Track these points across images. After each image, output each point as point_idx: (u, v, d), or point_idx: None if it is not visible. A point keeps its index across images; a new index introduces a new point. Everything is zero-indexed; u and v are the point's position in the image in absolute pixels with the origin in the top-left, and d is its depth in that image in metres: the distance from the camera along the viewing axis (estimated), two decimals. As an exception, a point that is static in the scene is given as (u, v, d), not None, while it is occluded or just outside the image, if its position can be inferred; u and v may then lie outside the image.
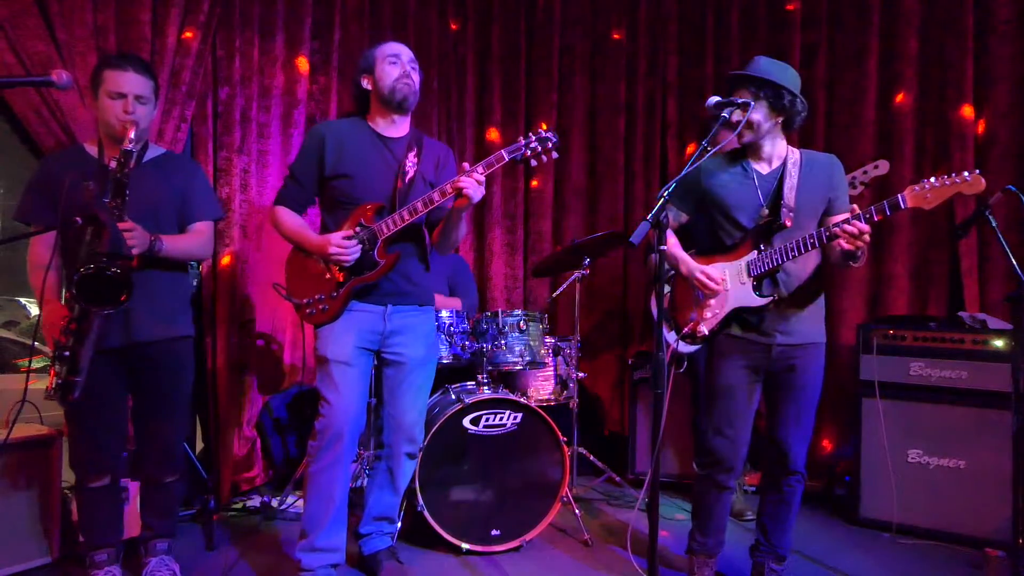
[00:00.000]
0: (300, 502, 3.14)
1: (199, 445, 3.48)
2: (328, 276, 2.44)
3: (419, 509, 2.73)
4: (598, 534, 3.05)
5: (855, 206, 2.26)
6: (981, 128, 3.47)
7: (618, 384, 4.25)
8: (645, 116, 4.25)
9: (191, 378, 2.58)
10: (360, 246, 2.38)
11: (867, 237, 2.12)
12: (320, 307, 2.44)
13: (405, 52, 2.49)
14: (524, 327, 3.10)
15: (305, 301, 2.46)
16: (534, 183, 4.35)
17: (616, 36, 4.26)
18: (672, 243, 2.47)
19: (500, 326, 3.07)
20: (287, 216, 2.51)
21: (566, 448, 2.93)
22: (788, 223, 2.30)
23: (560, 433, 2.91)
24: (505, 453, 2.87)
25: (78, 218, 2.15)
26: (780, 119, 2.32)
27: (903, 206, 2.14)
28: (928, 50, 3.58)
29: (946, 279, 3.57)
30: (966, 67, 3.46)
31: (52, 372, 2.15)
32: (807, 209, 2.34)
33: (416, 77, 2.48)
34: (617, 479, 3.61)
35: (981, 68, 3.46)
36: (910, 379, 3.10)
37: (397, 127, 2.52)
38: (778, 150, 2.37)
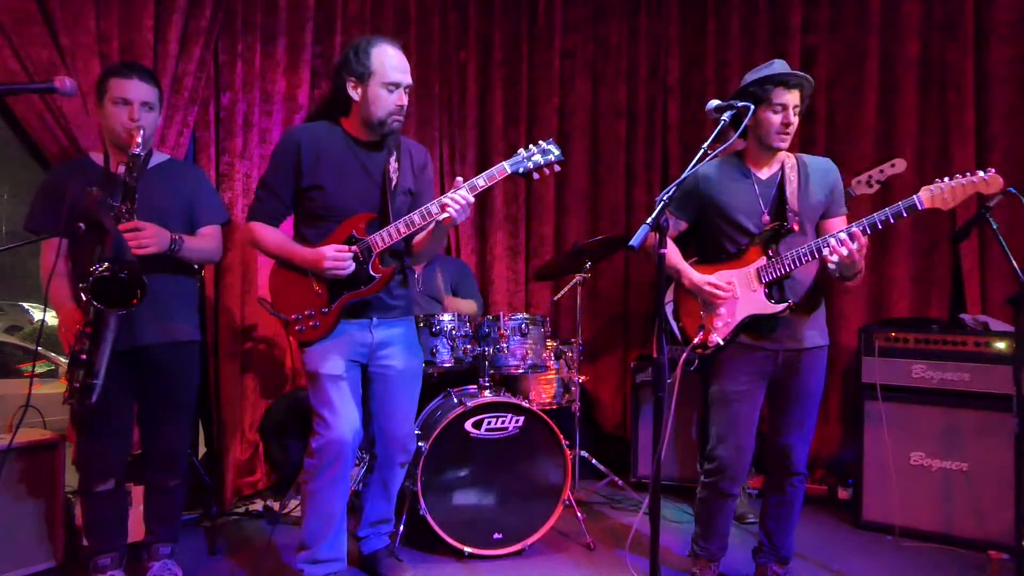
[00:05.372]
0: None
1: (202, 449, 3.49)
2: (319, 291, 2.33)
3: (421, 513, 2.73)
4: (600, 538, 3.05)
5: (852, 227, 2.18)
6: (982, 130, 3.46)
7: (620, 387, 4.25)
8: (646, 120, 4.25)
9: (196, 384, 2.58)
10: (355, 258, 2.30)
11: (863, 251, 2.10)
12: (310, 324, 2.34)
13: (406, 76, 2.31)
14: (526, 331, 3.10)
15: (294, 317, 2.35)
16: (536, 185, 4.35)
17: (617, 40, 4.26)
18: (672, 253, 2.43)
19: (502, 330, 3.07)
20: (266, 232, 2.39)
21: (568, 451, 2.92)
22: (795, 227, 2.29)
23: (562, 436, 2.91)
24: (507, 456, 2.87)
25: (81, 224, 2.17)
26: None
27: (920, 207, 2.10)
28: (928, 52, 3.58)
29: (948, 281, 3.55)
30: (966, 69, 3.45)
31: (66, 377, 2.15)
32: (809, 213, 2.34)
33: (406, 101, 2.33)
34: (619, 482, 3.61)
35: (981, 70, 3.46)
36: (912, 381, 3.09)
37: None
38: (776, 154, 2.37)
